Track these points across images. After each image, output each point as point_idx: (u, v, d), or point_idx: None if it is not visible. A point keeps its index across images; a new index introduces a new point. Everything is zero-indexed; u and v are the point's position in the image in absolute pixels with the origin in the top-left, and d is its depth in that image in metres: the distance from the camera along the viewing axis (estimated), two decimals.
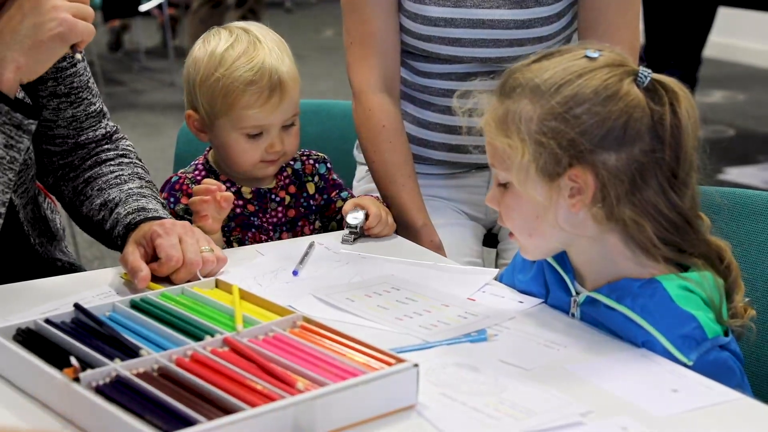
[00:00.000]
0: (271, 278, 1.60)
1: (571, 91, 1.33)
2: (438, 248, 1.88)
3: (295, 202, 1.89)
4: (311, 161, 1.92)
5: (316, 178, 1.92)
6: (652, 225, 1.35)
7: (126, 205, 1.65)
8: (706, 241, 1.40)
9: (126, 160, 1.77)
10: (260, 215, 1.85)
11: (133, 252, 1.55)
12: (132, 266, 1.52)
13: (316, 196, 1.91)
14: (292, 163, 1.90)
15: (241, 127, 1.79)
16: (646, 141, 1.34)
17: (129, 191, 1.69)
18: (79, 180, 1.75)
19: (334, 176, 1.94)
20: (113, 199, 1.68)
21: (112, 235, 1.66)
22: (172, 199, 1.82)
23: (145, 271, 1.51)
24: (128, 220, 1.62)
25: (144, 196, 1.68)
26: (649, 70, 1.37)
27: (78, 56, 1.58)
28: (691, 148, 1.36)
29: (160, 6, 7.16)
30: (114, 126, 1.81)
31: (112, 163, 1.76)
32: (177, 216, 1.79)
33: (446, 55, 1.98)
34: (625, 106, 1.33)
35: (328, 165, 1.94)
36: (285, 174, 1.89)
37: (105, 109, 1.80)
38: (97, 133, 1.77)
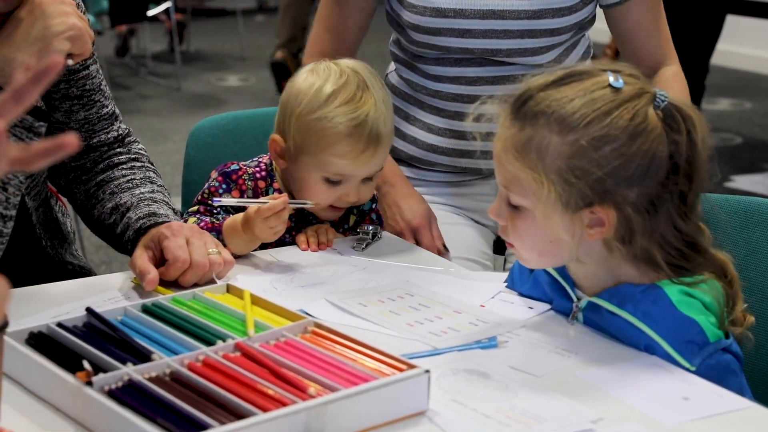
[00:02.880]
0: (287, 282, 1.61)
1: (601, 130, 1.31)
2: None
3: (337, 226, 1.86)
4: None
5: (357, 212, 1.88)
6: (660, 252, 1.35)
7: (137, 210, 1.66)
8: (711, 259, 1.40)
9: (138, 164, 1.78)
10: (300, 226, 1.82)
11: (141, 255, 1.55)
12: (140, 269, 1.53)
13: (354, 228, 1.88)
14: None
15: (325, 171, 1.74)
16: (663, 173, 1.33)
17: (141, 195, 1.69)
18: (91, 183, 1.75)
19: (373, 216, 1.89)
20: (125, 203, 1.69)
21: (122, 239, 1.66)
22: (224, 186, 1.78)
23: (152, 273, 1.52)
24: (138, 225, 1.63)
25: (155, 201, 1.69)
26: (666, 94, 1.35)
27: (69, 62, 1.58)
28: (704, 173, 1.36)
29: (167, 11, 7.17)
30: (126, 129, 1.82)
31: (125, 166, 1.76)
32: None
33: (456, 48, 1.98)
34: (651, 143, 1.32)
35: (374, 206, 1.89)
36: None
37: (117, 111, 1.80)
38: (109, 135, 1.77)
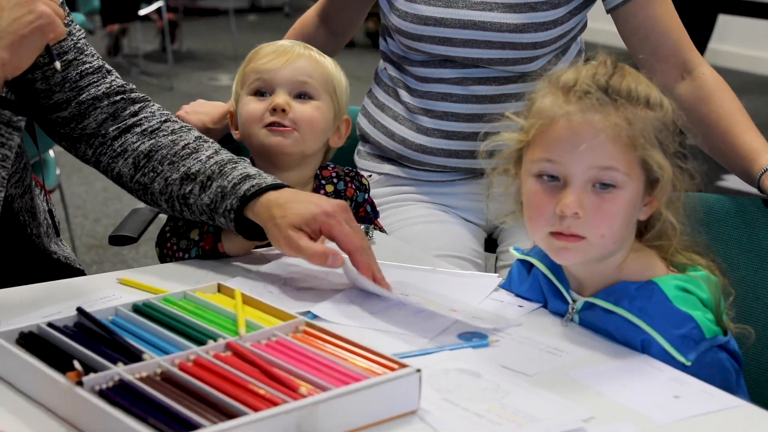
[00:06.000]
0: (279, 282, 1.60)
1: (670, 105, 1.38)
2: None
3: None
4: (353, 186, 1.87)
5: (353, 205, 1.87)
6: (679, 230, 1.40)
7: (226, 177, 1.63)
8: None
9: (176, 125, 1.73)
10: None
11: (302, 237, 1.53)
12: (321, 251, 1.52)
13: None
14: (335, 181, 1.85)
15: (249, 84, 1.80)
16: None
17: (211, 160, 1.66)
18: (134, 155, 1.70)
19: (368, 207, 1.89)
20: (198, 170, 1.65)
21: (215, 207, 1.62)
22: None
23: (333, 250, 1.52)
24: (242, 193, 1.60)
25: (234, 162, 1.66)
26: None
27: (57, 65, 1.56)
28: None
29: (159, 10, 7.17)
30: (123, 83, 1.75)
31: (165, 132, 1.71)
32: None
33: (439, 55, 1.98)
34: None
35: (366, 197, 1.89)
36: (323, 192, 1.84)
37: (108, 66, 1.75)
38: (100, 89, 1.71)
